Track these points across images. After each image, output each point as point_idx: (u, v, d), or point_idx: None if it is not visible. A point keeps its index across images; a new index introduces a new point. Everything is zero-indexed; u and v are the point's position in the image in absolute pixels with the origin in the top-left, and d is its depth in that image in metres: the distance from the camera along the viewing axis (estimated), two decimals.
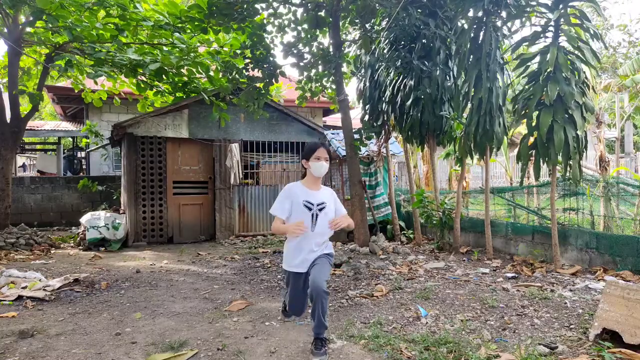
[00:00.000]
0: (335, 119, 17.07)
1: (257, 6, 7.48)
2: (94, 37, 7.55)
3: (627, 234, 5.82)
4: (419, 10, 7.12)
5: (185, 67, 9.34)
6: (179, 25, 8.30)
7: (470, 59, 6.29)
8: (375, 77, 8.18)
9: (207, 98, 8.24)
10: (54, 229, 11.84)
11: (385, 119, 8.27)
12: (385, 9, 7.56)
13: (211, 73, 9.63)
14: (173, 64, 8.09)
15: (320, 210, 3.26)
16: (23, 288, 5.05)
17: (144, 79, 9.41)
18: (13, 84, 8.54)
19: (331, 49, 7.90)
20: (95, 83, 7.78)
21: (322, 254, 3.31)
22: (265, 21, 8.02)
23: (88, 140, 12.88)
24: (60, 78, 9.86)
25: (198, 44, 8.88)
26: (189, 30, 8.62)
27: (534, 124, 5.66)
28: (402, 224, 9.05)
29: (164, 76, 9.27)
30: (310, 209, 3.25)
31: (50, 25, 7.45)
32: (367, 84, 8.35)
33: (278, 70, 7.85)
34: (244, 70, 7.97)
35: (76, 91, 10.69)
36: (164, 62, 8.06)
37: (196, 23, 7.86)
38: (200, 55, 8.93)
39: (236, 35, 8.51)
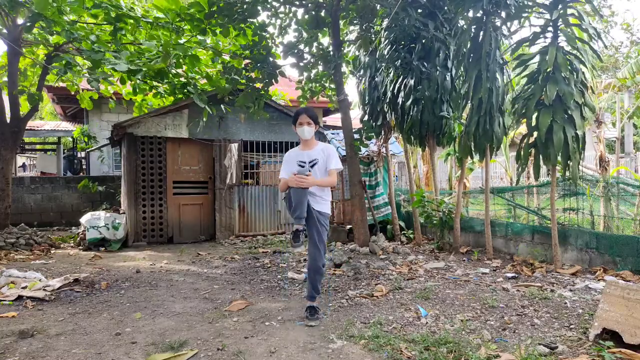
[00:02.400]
0: (335, 119, 17.07)
1: (258, 7, 7.47)
2: (90, 46, 7.56)
3: (627, 234, 5.82)
4: (419, 11, 7.12)
5: (183, 69, 9.32)
6: (178, 24, 8.27)
7: (470, 59, 6.29)
8: (375, 78, 8.18)
9: (198, 101, 8.21)
10: (54, 229, 11.84)
11: (386, 119, 8.27)
12: (385, 9, 7.55)
13: (210, 74, 9.60)
14: (156, 67, 8.09)
15: (312, 166, 3.95)
16: (23, 288, 5.05)
17: (141, 79, 9.39)
18: (13, 83, 8.54)
19: (331, 49, 7.90)
20: (89, 83, 7.78)
21: (318, 211, 3.94)
22: (266, 22, 8.01)
23: (82, 145, 12.89)
24: (58, 80, 9.86)
25: (195, 46, 8.84)
26: (187, 31, 8.59)
27: (533, 124, 5.66)
28: (402, 224, 9.05)
29: (163, 77, 9.26)
30: (303, 167, 3.95)
31: (48, 29, 7.45)
32: (367, 84, 8.35)
33: (278, 71, 7.85)
34: (243, 71, 7.97)
35: (72, 92, 10.71)
36: (147, 68, 8.08)
37: (195, 23, 7.83)
38: (198, 54, 8.90)
39: (235, 41, 8.48)
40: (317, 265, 3.95)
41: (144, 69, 8.02)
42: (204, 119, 8.43)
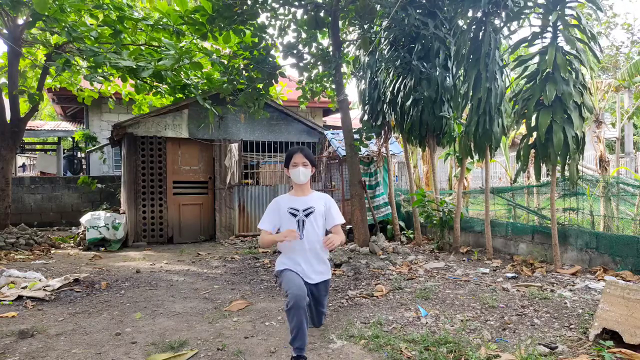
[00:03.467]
0: (335, 119, 17.07)
1: (257, 8, 7.47)
2: (92, 43, 7.56)
3: (627, 234, 5.82)
4: (419, 11, 7.12)
5: (182, 70, 9.32)
6: (180, 27, 8.25)
7: (470, 59, 6.29)
8: (375, 78, 8.18)
9: (203, 103, 8.21)
10: (54, 229, 11.85)
11: (386, 119, 8.27)
12: (384, 9, 7.55)
13: (211, 77, 9.61)
14: (168, 67, 8.08)
15: (307, 215, 3.07)
16: (23, 288, 5.05)
17: (141, 79, 9.40)
18: (13, 84, 8.56)
19: (331, 50, 7.90)
20: (91, 84, 7.79)
21: (323, 280, 3.13)
22: (266, 23, 8.01)
23: (86, 147, 12.91)
24: (56, 79, 9.87)
25: (196, 51, 8.84)
26: (188, 34, 8.58)
27: (533, 124, 5.66)
28: (402, 224, 9.05)
29: (163, 78, 9.27)
30: (295, 215, 3.07)
31: (49, 28, 7.46)
32: (367, 84, 8.35)
33: (278, 71, 7.85)
34: (243, 71, 7.97)
35: (71, 90, 10.73)
36: (157, 68, 8.06)
37: (197, 27, 7.83)
38: (197, 56, 8.90)
39: (237, 47, 8.48)
40: (318, 325, 3.35)
41: (149, 67, 8.00)
42: (209, 119, 8.44)
